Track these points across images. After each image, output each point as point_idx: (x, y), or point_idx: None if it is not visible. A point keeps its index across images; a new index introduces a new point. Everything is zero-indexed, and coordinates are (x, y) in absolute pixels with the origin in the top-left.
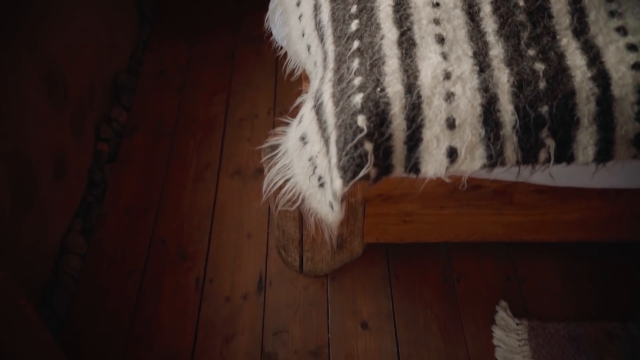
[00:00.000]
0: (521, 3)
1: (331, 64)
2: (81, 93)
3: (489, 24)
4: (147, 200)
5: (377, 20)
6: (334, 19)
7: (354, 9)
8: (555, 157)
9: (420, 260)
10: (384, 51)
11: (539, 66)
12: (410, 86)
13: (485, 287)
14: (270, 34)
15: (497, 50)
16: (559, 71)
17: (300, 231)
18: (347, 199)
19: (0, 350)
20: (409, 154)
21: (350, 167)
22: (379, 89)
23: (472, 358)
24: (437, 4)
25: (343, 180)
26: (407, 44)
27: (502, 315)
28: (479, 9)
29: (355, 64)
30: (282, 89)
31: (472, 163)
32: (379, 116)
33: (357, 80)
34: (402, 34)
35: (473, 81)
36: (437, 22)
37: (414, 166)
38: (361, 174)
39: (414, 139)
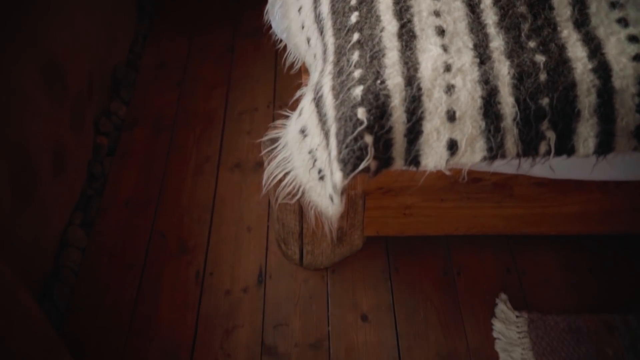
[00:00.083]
0: None
1: (331, 57)
2: (80, 87)
3: (490, 16)
4: (147, 193)
5: (377, 12)
6: (334, 11)
7: (353, 1)
8: (555, 150)
9: (420, 253)
10: (384, 43)
11: (540, 58)
12: (411, 78)
13: (485, 279)
14: (270, 27)
15: (497, 42)
16: (560, 63)
17: (300, 224)
18: (347, 192)
19: (1, 343)
20: (409, 147)
21: (350, 160)
22: (379, 82)
23: (472, 350)
24: None
25: (343, 172)
26: (407, 36)
27: (502, 307)
28: (480, 1)
29: (355, 56)
30: (282, 82)
31: (473, 155)
32: (379, 109)
33: (357, 73)
34: (402, 26)
35: (473, 73)
36: (437, 14)
37: (414, 159)
38: (361, 166)
39: (414, 131)
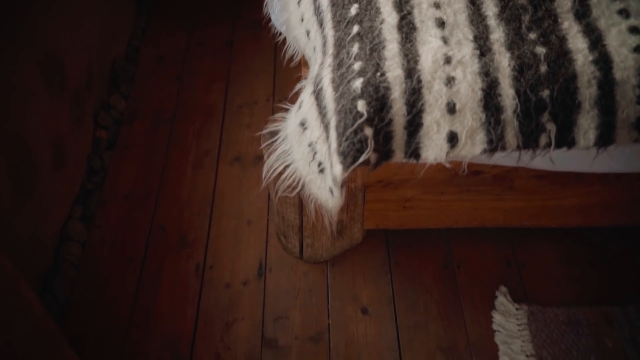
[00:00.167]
0: None
1: (331, 49)
2: (79, 80)
3: (490, 8)
4: (147, 187)
5: (376, 4)
6: (333, 3)
7: None
8: (556, 142)
9: (420, 246)
10: (384, 35)
11: (540, 50)
12: (411, 71)
13: (485, 272)
14: (269, 20)
15: (497, 34)
16: (560, 55)
17: (300, 217)
18: (347, 185)
19: (1, 336)
20: (409, 139)
21: (350, 153)
22: (379, 74)
23: (472, 343)
24: None
25: (343, 165)
26: (407, 28)
27: (502, 300)
28: None
29: (355, 48)
30: (282, 75)
31: (473, 148)
32: (379, 101)
33: (357, 65)
34: (402, 18)
35: (474, 65)
36: (437, 5)
37: (414, 151)
38: (361, 159)
39: (414, 124)
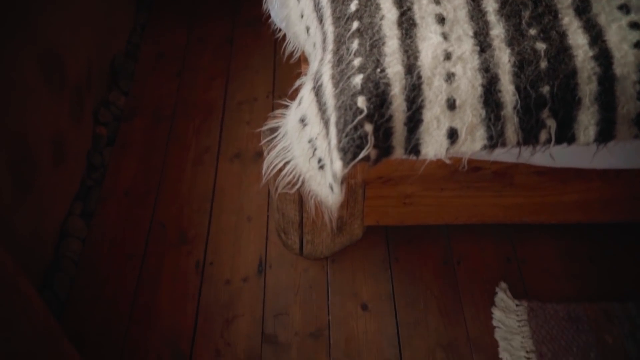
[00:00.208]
0: None
1: (330, 45)
2: (79, 77)
3: (490, 4)
4: (147, 184)
5: (376, 0)
6: None
7: None
8: (556, 138)
9: (420, 242)
10: (384, 32)
11: (540, 46)
12: (411, 67)
13: (485, 268)
14: (269, 16)
15: (498, 30)
16: (561, 51)
17: (300, 214)
18: (347, 181)
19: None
20: (409, 135)
21: (350, 149)
22: (378, 70)
23: (472, 339)
24: None
25: (343, 161)
26: (407, 24)
27: (502, 296)
28: None
29: (355, 44)
30: (281, 72)
31: (473, 144)
32: (379, 97)
33: (357, 61)
34: (402, 14)
35: (474, 61)
36: (437, 1)
37: (414, 147)
38: (361, 155)
39: (414, 120)
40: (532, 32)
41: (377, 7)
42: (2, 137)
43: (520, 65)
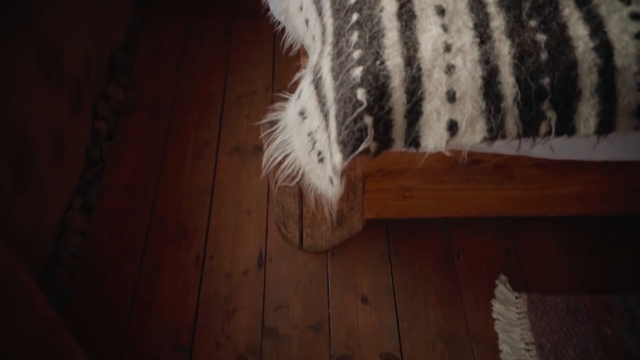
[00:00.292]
0: None
1: (330, 38)
2: (78, 71)
3: None
4: (146, 177)
5: None
6: None
7: None
8: (556, 130)
9: (420, 235)
10: (384, 23)
11: (541, 37)
12: (410, 59)
13: (484, 261)
14: (268, 9)
15: (498, 22)
16: (561, 42)
17: (300, 207)
18: (346, 174)
19: (2, 324)
20: (409, 128)
21: (350, 141)
22: (378, 62)
23: (472, 331)
24: None
25: (343, 154)
26: (406, 16)
27: (502, 289)
28: None
29: (355, 37)
30: (281, 65)
31: (473, 136)
32: (379, 89)
33: (357, 54)
34: (401, 6)
35: (474, 53)
36: None
37: (414, 140)
38: (361, 148)
39: (414, 112)
40: (533, 23)
41: None
42: (0, 130)
43: (521, 57)
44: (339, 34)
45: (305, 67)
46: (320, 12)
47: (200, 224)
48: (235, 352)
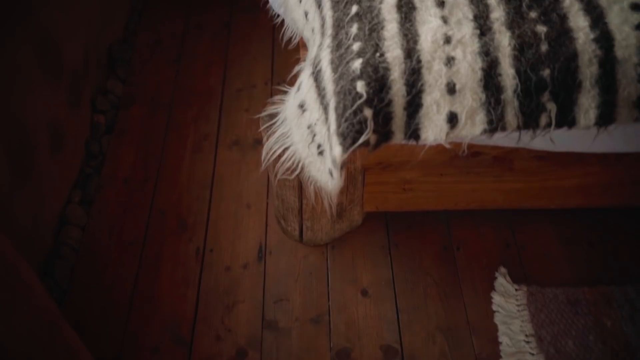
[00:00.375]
0: None
1: (329, 30)
2: (76, 64)
3: None
4: (146, 171)
5: None
6: None
7: None
8: (556, 121)
9: (420, 228)
10: (383, 15)
11: (541, 28)
12: (410, 51)
13: (484, 254)
14: (267, 2)
15: (498, 13)
16: (561, 33)
17: (300, 200)
18: (346, 167)
19: (3, 316)
20: (408, 120)
21: (349, 134)
22: (378, 54)
23: (472, 323)
24: None
25: (342, 146)
26: (406, 8)
27: (502, 281)
28: None
29: (354, 29)
30: (280, 58)
31: (473, 128)
32: (379, 82)
33: (356, 46)
34: None
35: (474, 45)
36: None
37: (413, 132)
38: (361, 140)
39: (413, 104)
40: (533, 14)
41: None
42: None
43: (521, 49)
44: (339, 26)
45: (304, 60)
46: (319, 5)
47: (200, 218)
48: (235, 345)
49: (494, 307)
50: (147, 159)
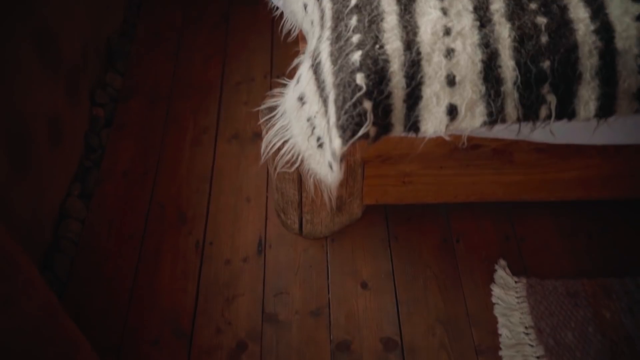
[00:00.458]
0: None
1: (328, 22)
2: (75, 57)
3: None
4: (145, 164)
5: None
6: None
7: None
8: (556, 113)
9: (419, 221)
10: (383, 7)
11: (541, 20)
12: (410, 43)
13: (484, 247)
14: None
15: (498, 5)
16: (561, 25)
17: (300, 193)
18: (346, 160)
19: (3, 309)
20: (408, 112)
21: (349, 126)
22: (377, 46)
23: (471, 315)
24: None
25: (342, 139)
26: (406, 0)
27: (501, 273)
28: None
29: (353, 21)
30: (279, 51)
31: (473, 120)
32: (378, 74)
33: (356, 38)
34: None
35: (473, 37)
36: None
37: (413, 124)
38: (360, 132)
39: (413, 96)
40: (533, 6)
41: None
42: None
43: (521, 40)
44: (338, 18)
45: (304, 53)
46: None
47: (199, 211)
48: (235, 337)
49: (494, 299)
50: (146, 152)
